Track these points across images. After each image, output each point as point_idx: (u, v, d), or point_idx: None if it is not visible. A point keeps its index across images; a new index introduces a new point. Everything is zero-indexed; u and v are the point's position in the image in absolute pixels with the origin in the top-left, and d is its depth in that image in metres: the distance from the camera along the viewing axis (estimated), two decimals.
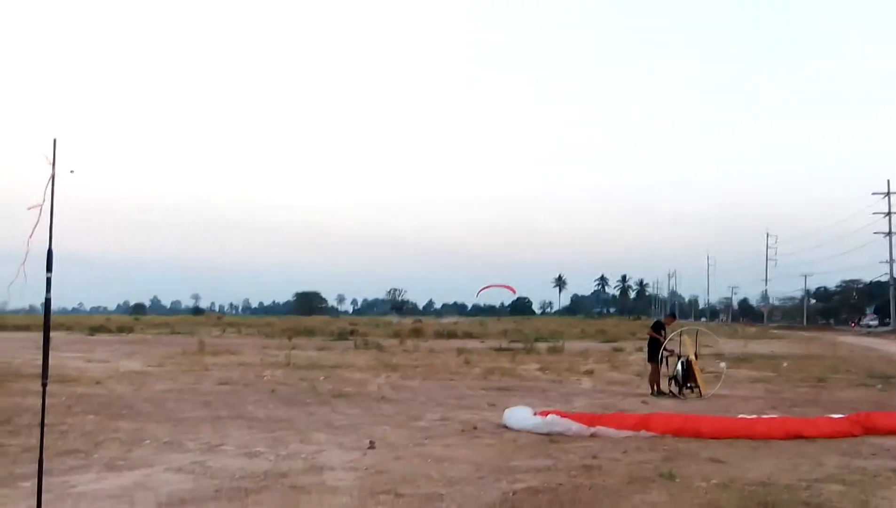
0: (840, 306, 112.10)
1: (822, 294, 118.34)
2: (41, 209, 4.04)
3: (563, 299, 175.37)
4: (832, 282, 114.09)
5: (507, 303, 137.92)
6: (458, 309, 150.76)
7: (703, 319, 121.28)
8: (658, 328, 14.89)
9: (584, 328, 53.58)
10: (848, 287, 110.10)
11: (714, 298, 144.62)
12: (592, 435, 8.80)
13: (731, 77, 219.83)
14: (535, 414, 9.55)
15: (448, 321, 71.02)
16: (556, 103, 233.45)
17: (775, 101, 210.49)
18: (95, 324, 50.17)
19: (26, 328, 41.05)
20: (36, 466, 4.04)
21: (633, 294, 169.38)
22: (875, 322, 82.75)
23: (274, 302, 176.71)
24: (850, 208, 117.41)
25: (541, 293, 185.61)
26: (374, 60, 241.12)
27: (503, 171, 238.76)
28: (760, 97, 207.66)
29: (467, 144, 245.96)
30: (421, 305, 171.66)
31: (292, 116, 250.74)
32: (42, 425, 4.12)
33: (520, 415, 9.63)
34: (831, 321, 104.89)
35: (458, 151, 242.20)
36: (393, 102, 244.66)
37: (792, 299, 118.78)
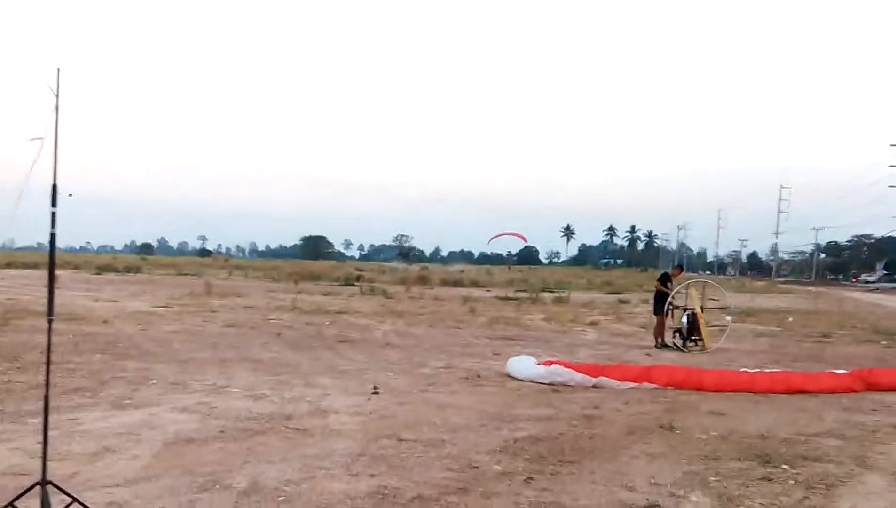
0: (850, 261, 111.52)
1: (832, 249, 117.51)
2: (42, 142, 3.88)
3: (571, 249, 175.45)
4: (844, 237, 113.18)
5: (514, 252, 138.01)
6: (464, 257, 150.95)
7: (708, 272, 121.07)
8: (665, 280, 14.81)
9: (591, 279, 53.61)
10: (859, 242, 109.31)
11: (723, 251, 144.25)
12: (595, 386, 8.85)
13: (745, 29, 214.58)
14: (538, 364, 9.59)
15: (454, 268, 71.12)
16: (567, 53, 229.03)
17: (790, 53, 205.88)
18: (102, 263, 50.66)
19: (34, 265, 41.46)
20: (43, 403, 4.05)
21: (641, 246, 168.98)
22: (873, 278, 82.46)
23: (281, 246, 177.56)
24: (867, 161, 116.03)
25: (548, 243, 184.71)
26: (385, 20, 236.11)
27: (513, 118, 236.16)
28: (776, 49, 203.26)
29: (477, 91, 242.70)
30: (427, 252, 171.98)
31: (303, 63, 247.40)
32: (48, 361, 4.10)
33: (523, 364, 9.67)
34: (840, 276, 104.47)
35: (468, 97, 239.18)
36: (405, 52, 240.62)
37: (802, 253, 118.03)
